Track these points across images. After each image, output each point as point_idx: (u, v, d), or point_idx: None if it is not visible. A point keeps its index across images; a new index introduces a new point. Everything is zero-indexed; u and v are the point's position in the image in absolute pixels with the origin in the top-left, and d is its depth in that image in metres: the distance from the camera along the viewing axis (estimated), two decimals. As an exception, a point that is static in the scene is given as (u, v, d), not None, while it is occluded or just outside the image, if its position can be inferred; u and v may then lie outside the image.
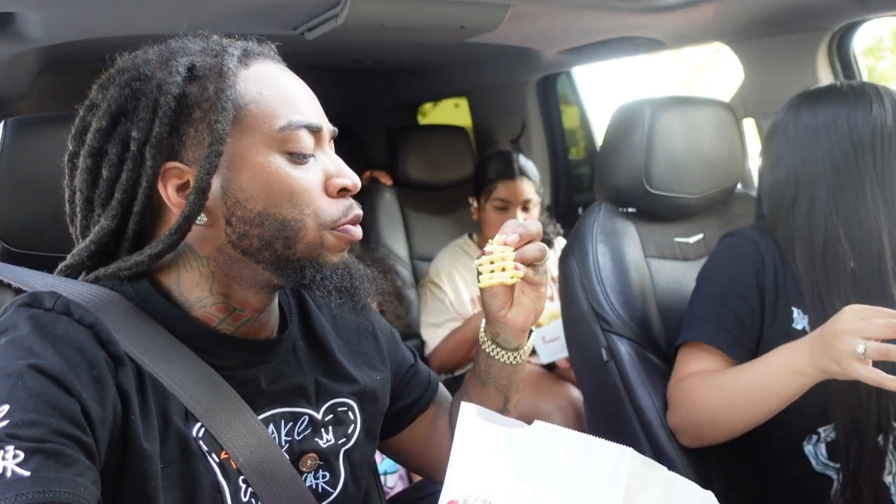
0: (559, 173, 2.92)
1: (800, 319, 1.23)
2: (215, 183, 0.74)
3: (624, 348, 1.38)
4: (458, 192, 2.75)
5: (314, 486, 0.84)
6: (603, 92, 3.13)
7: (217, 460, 0.75)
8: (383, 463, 1.91)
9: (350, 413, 0.90)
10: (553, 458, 0.65)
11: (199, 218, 0.75)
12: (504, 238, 0.86)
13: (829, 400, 1.15)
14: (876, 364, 0.99)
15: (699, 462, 1.32)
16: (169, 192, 0.75)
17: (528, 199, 2.25)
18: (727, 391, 1.18)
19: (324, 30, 1.63)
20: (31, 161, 1.04)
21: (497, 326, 0.94)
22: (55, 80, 2.48)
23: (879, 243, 1.18)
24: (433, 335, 2.26)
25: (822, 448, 1.24)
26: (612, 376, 1.39)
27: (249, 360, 0.81)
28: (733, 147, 1.60)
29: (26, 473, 0.58)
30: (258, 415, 0.80)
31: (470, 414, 0.71)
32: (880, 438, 1.17)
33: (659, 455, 1.30)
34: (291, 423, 0.83)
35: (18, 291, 0.81)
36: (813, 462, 1.24)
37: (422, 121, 3.63)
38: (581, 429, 1.41)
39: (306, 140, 0.77)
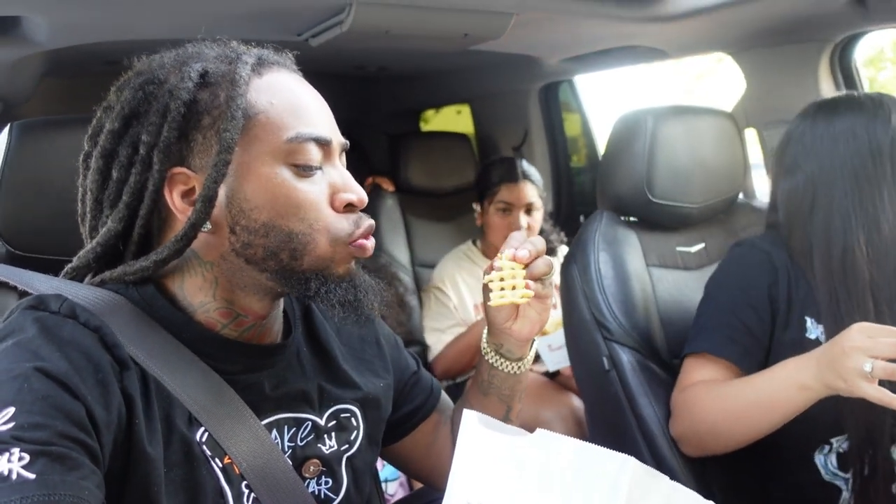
0: (561, 181, 2.92)
1: (813, 329, 1.22)
2: (221, 191, 0.74)
3: (625, 357, 1.38)
4: (460, 199, 2.75)
5: (317, 493, 0.84)
6: (605, 101, 3.14)
7: (220, 465, 0.75)
8: (384, 470, 1.91)
9: (353, 419, 0.90)
10: (555, 467, 0.65)
11: (204, 225, 0.75)
12: (512, 253, 0.85)
13: (843, 411, 1.14)
14: (882, 383, 0.99)
15: (700, 471, 1.31)
16: (174, 198, 0.75)
17: (531, 203, 2.26)
18: (731, 402, 1.18)
19: (328, 36, 1.64)
20: (36, 164, 1.05)
21: (501, 337, 0.94)
22: (58, 83, 2.49)
23: None
24: (437, 340, 2.26)
25: (833, 458, 1.23)
26: (614, 385, 1.39)
27: (253, 365, 0.81)
28: (735, 157, 1.60)
29: (31, 476, 0.58)
30: (261, 420, 0.80)
31: (472, 421, 0.71)
32: (893, 449, 1.16)
33: (660, 464, 1.30)
34: (294, 429, 0.83)
35: (22, 295, 0.81)
36: (822, 471, 1.24)
37: (424, 127, 3.64)
38: (582, 437, 1.41)
39: (313, 153, 0.76)
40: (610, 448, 0.63)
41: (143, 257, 0.76)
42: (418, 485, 1.92)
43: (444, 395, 1.08)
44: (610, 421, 1.42)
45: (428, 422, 1.04)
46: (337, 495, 0.86)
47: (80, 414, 0.64)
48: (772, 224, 1.34)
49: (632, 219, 1.55)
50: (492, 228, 2.29)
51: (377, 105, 3.38)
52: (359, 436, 0.90)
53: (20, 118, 1.09)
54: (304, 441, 0.84)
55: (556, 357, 2.05)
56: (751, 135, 1.96)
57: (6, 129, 1.07)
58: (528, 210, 2.26)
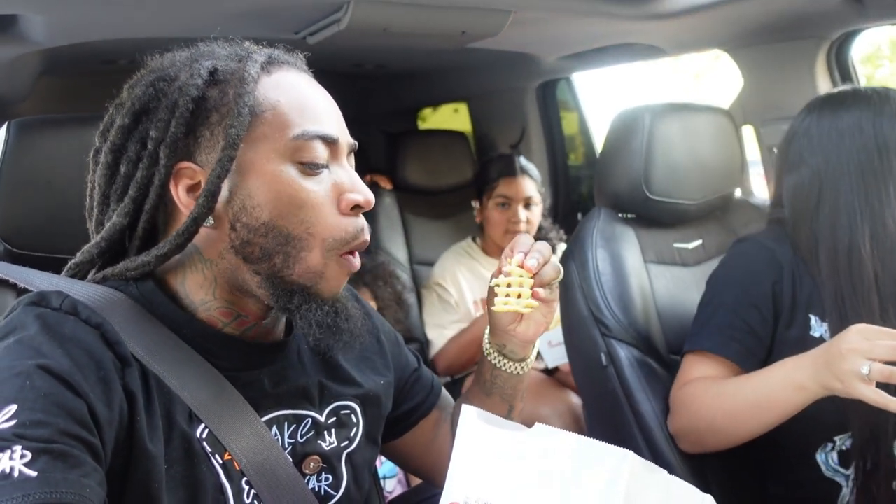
0: (559, 179, 2.92)
1: (817, 327, 1.22)
2: (224, 187, 0.75)
3: (623, 353, 1.38)
4: (457, 197, 2.76)
5: (317, 489, 0.84)
6: (602, 98, 3.14)
7: (220, 462, 0.76)
8: (382, 467, 1.91)
9: (353, 416, 0.90)
10: (553, 461, 0.65)
11: (206, 220, 0.75)
12: (520, 259, 0.84)
13: (847, 409, 1.14)
14: (879, 385, 0.99)
15: (698, 467, 1.32)
16: (179, 192, 0.76)
17: (529, 196, 2.27)
18: (729, 401, 1.18)
19: (326, 34, 1.64)
20: (34, 162, 1.05)
21: (504, 339, 0.94)
22: (56, 82, 2.49)
23: None
24: (439, 336, 2.26)
25: (834, 455, 1.23)
26: (612, 381, 1.39)
27: (253, 362, 0.81)
28: (732, 154, 1.61)
29: (33, 474, 0.58)
30: (262, 417, 0.80)
31: (470, 416, 0.71)
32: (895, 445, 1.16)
33: (658, 460, 1.30)
34: (295, 426, 0.83)
35: (20, 293, 0.81)
36: (823, 468, 1.23)
37: (421, 126, 3.64)
38: (580, 434, 1.41)
39: (320, 151, 0.76)
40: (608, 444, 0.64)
41: (145, 252, 0.77)
42: (416, 481, 1.93)
43: (445, 393, 1.08)
44: (608, 417, 1.42)
45: (428, 419, 1.04)
46: (337, 492, 0.86)
47: (83, 411, 0.64)
48: (775, 220, 1.33)
49: (629, 216, 1.56)
50: (491, 223, 2.29)
51: (375, 103, 3.38)
52: (358, 432, 0.90)
53: (18, 117, 1.09)
54: (305, 438, 0.84)
55: (556, 354, 2.05)
56: (748, 132, 1.96)
57: (4, 128, 1.07)
58: (527, 204, 2.27)
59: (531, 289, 0.84)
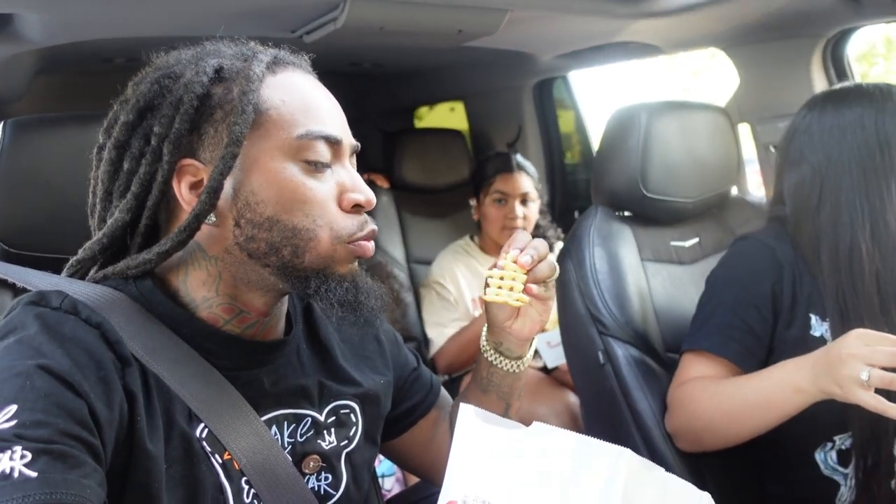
0: (555, 177, 2.93)
1: (818, 326, 1.21)
2: (227, 184, 0.75)
3: (620, 351, 1.39)
4: (454, 196, 2.76)
5: (316, 488, 0.84)
6: (599, 96, 3.15)
7: (220, 461, 0.76)
8: (380, 466, 1.92)
9: (352, 415, 0.90)
10: (551, 459, 0.65)
11: (208, 217, 0.75)
12: (515, 255, 0.85)
13: (848, 409, 1.12)
14: (878, 391, 0.98)
15: (696, 465, 1.32)
16: (182, 189, 0.76)
17: (526, 193, 2.27)
18: (727, 401, 1.17)
19: (322, 33, 1.64)
20: (30, 162, 1.05)
21: (501, 336, 0.94)
22: (52, 81, 2.49)
23: None
24: (439, 334, 2.26)
25: (833, 454, 1.22)
26: (609, 379, 1.39)
27: (253, 362, 0.82)
28: (729, 152, 1.61)
29: (33, 474, 0.58)
30: (261, 416, 0.80)
31: (469, 415, 0.71)
32: None
33: (655, 458, 1.30)
34: (294, 425, 0.83)
35: (17, 293, 0.81)
36: (822, 467, 1.23)
37: (418, 124, 3.63)
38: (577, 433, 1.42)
39: (323, 151, 0.77)
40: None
41: (147, 250, 0.77)
42: (413, 480, 1.93)
43: (444, 392, 1.08)
44: (605, 415, 1.43)
45: (427, 418, 1.04)
46: (336, 491, 0.86)
47: (83, 412, 0.64)
48: (776, 218, 1.32)
49: (626, 214, 1.56)
50: (488, 220, 2.30)
51: (371, 102, 3.38)
52: (357, 431, 0.90)
53: (14, 116, 1.09)
54: (304, 437, 0.84)
55: (555, 354, 2.06)
56: (744, 130, 1.97)
57: (0, 127, 1.06)
58: (524, 201, 2.27)
59: (524, 284, 0.85)
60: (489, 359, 0.96)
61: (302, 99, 0.78)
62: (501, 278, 0.86)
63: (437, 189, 2.82)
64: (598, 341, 1.41)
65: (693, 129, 1.55)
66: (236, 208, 0.76)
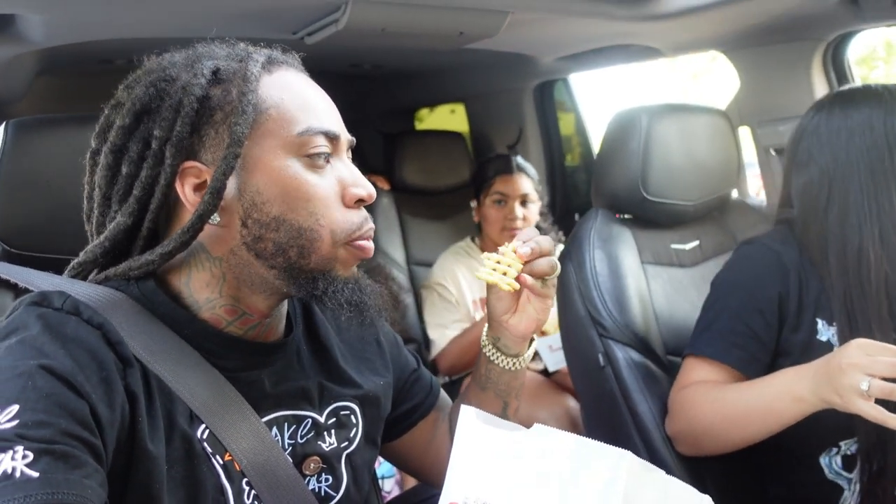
0: (556, 179, 2.93)
1: (824, 331, 1.20)
2: (232, 184, 0.75)
3: (621, 354, 1.39)
4: (455, 198, 2.76)
5: (317, 490, 0.84)
6: (599, 99, 3.15)
7: (221, 462, 0.76)
8: (380, 468, 1.91)
9: (352, 417, 0.90)
10: (552, 461, 0.65)
11: (213, 218, 0.75)
12: (517, 246, 0.86)
13: (854, 414, 1.10)
14: (878, 401, 0.98)
15: (695, 468, 1.32)
16: (186, 191, 0.76)
17: (525, 194, 2.27)
18: (728, 407, 1.17)
19: (324, 34, 1.64)
20: (31, 163, 1.05)
21: (499, 331, 0.94)
22: (53, 82, 2.49)
23: None
24: (441, 336, 2.26)
25: (838, 459, 1.22)
26: (609, 382, 1.39)
27: (254, 363, 0.82)
28: (729, 155, 1.61)
29: (35, 474, 0.58)
30: (262, 417, 0.80)
31: (469, 417, 0.71)
32: None
33: (655, 460, 1.30)
34: (295, 426, 0.84)
35: (19, 293, 0.81)
36: (826, 471, 1.22)
37: (418, 126, 3.64)
38: (577, 434, 1.42)
39: (323, 146, 0.78)
40: (605, 444, 0.64)
41: (149, 251, 0.77)
42: (411, 482, 1.93)
43: (443, 393, 1.09)
44: (605, 418, 1.43)
45: (427, 420, 1.04)
46: (337, 492, 0.86)
47: (84, 412, 0.64)
48: (783, 220, 1.31)
49: (627, 216, 1.56)
50: (488, 221, 2.30)
51: (372, 103, 3.38)
52: (357, 433, 0.90)
53: (13, 117, 1.09)
54: (305, 438, 0.84)
55: (556, 358, 2.06)
56: (745, 133, 1.97)
57: (1, 128, 1.07)
58: (524, 202, 2.28)
59: (519, 272, 0.86)
60: (488, 355, 0.96)
61: (299, 96, 0.78)
62: (498, 262, 0.86)
63: (438, 191, 2.82)
64: (598, 344, 1.41)
65: (693, 132, 1.55)
66: (243, 208, 0.76)
